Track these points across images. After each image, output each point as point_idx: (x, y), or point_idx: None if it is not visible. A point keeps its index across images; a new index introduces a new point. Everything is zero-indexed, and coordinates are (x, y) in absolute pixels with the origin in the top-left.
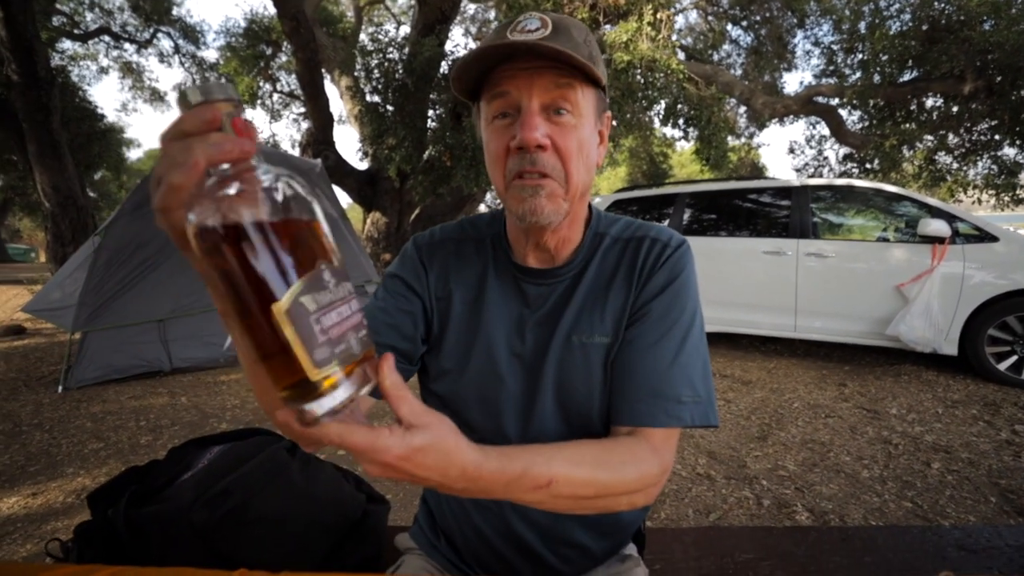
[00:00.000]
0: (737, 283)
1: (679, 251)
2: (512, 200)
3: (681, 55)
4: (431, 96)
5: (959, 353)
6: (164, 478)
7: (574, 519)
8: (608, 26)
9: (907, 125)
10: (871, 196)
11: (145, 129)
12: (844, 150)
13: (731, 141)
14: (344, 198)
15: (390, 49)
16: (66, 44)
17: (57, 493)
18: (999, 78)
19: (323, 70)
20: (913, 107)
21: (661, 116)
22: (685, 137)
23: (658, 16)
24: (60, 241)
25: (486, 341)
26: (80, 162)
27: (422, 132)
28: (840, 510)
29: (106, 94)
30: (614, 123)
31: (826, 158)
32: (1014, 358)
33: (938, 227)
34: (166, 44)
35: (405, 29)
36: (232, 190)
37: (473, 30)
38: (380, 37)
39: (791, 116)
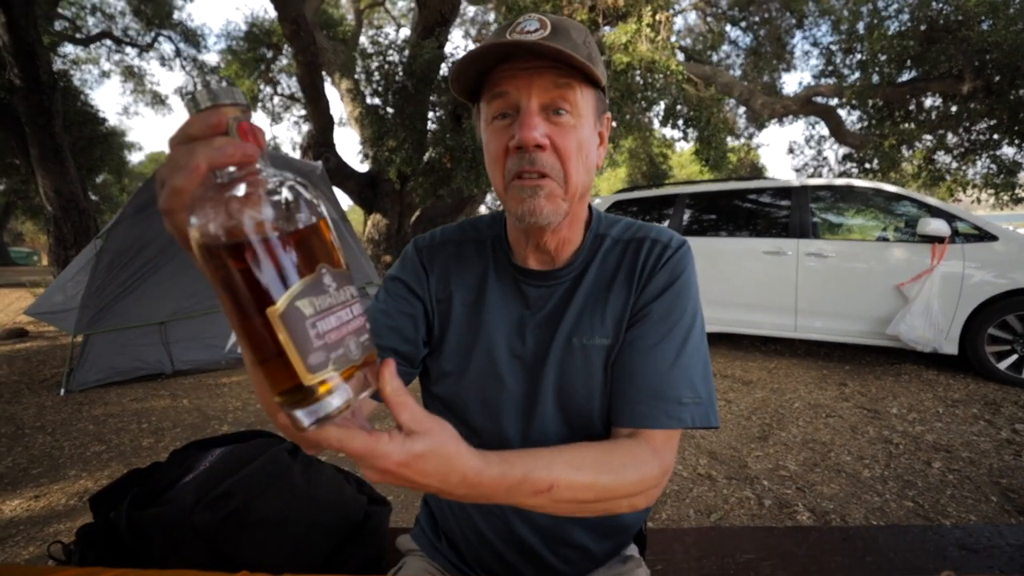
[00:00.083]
0: (737, 283)
1: (679, 252)
2: (511, 201)
3: (680, 56)
4: (431, 98)
5: (959, 352)
6: (166, 480)
7: (575, 521)
8: (607, 27)
9: (906, 125)
10: (871, 196)
11: (147, 132)
12: (843, 150)
13: (730, 142)
14: (345, 200)
15: (390, 52)
16: (68, 48)
17: (59, 495)
18: (997, 78)
19: (323, 73)
20: (912, 107)
21: (661, 117)
22: (685, 138)
23: (657, 17)
24: (62, 244)
25: (487, 343)
26: (82, 165)
27: (422, 134)
28: (841, 510)
29: (108, 98)
30: (614, 124)
31: (825, 158)
32: (1014, 357)
33: (938, 227)
34: (167, 48)
35: (405, 32)
36: (234, 193)
37: (473, 32)
38: (380, 40)
39: (790, 116)
